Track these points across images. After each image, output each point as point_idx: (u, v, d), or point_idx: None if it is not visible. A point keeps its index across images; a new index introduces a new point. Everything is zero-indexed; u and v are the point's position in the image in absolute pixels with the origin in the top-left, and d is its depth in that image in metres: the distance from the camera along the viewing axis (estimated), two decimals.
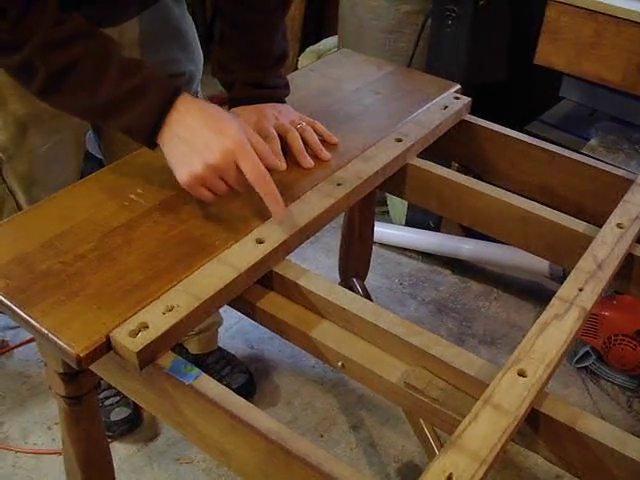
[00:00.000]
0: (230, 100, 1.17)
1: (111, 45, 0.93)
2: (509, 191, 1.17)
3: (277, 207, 0.93)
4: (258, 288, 0.95)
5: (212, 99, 2.74)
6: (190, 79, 1.33)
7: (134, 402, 1.64)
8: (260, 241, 0.93)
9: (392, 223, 2.34)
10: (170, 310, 0.82)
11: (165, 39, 1.25)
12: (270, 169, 0.94)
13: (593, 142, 2.04)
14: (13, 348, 1.87)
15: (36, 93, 0.92)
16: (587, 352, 1.85)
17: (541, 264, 2.04)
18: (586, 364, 1.86)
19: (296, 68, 2.53)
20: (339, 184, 1.06)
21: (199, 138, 0.89)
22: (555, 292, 0.91)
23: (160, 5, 1.20)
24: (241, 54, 1.13)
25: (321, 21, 2.93)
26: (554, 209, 1.12)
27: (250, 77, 1.14)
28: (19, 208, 1.21)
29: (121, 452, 1.63)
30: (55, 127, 1.17)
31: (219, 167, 0.89)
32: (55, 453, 1.60)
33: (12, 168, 1.18)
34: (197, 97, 1.37)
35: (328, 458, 0.72)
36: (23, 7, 0.84)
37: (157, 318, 0.81)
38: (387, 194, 2.30)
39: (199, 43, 1.34)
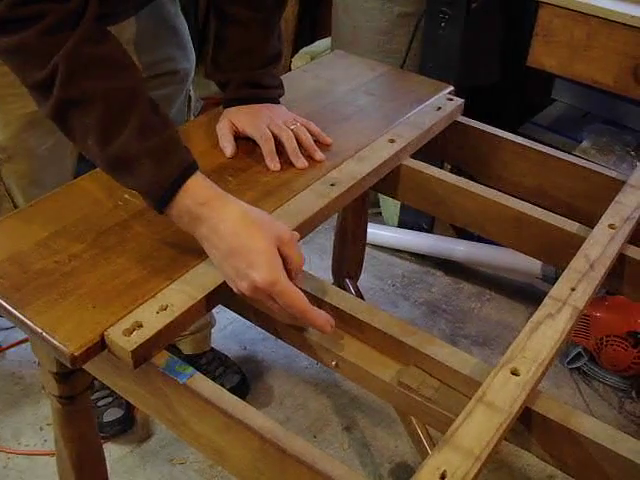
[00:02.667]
0: (225, 100, 1.17)
1: (139, 86, 0.86)
2: (502, 192, 1.17)
3: (324, 328, 0.83)
4: None
5: (206, 100, 2.75)
6: (185, 77, 1.33)
7: (127, 403, 1.64)
8: None
9: (385, 225, 2.34)
10: (164, 309, 0.82)
11: (161, 37, 1.25)
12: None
13: (585, 144, 2.05)
14: (5, 349, 1.86)
15: (48, 116, 0.86)
16: (579, 353, 1.85)
17: (533, 265, 2.05)
18: (578, 365, 1.87)
19: (289, 69, 2.53)
20: (333, 184, 1.07)
21: (228, 260, 0.81)
22: (547, 293, 0.91)
23: (156, 3, 1.21)
24: (236, 53, 1.13)
25: (314, 22, 2.93)
26: (547, 210, 1.12)
27: (245, 77, 1.14)
28: (16, 208, 1.21)
29: (114, 453, 1.62)
30: (53, 127, 1.17)
31: (252, 297, 0.82)
32: (47, 454, 1.60)
33: (11, 168, 1.18)
34: (189, 97, 1.38)
35: (322, 457, 0.72)
36: (62, 15, 0.80)
37: (151, 317, 0.81)
38: (380, 195, 2.31)
39: (191, 42, 1.35)
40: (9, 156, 1.16)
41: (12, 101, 1.11)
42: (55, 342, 0.78)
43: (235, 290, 0.83)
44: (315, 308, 0.82)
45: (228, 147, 1.12)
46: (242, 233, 0.81)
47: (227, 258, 0.81)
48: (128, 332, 0.79)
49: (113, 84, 0.83)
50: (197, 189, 0.84)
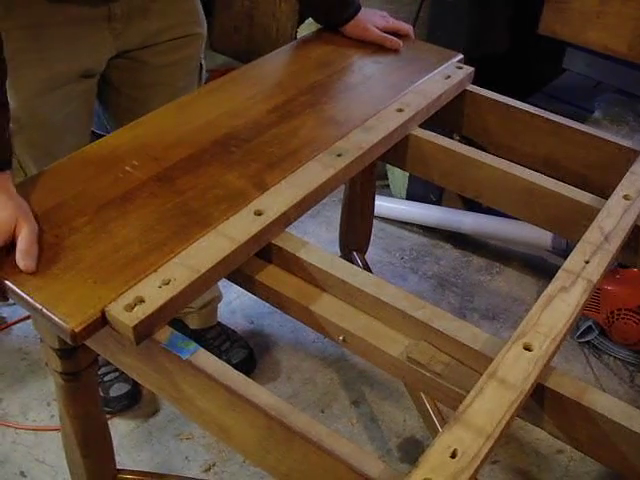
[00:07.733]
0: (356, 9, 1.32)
1: None
2: (513, 163, 1.14)
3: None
4: (257, 261, 0.94)
5: (212, 72, 2.72)
6: (198, 41, 1.33)
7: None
8: (259, 213, 0.91)
9: (393, 197, 2.31)
10: (167, 283, 0.80)
11: (171, 3, 1.24)
12: None
13: (597, 114, 2.01)
14: (11, 324, 1.85)
15: None
16: (590, 327, 1.83)
17: (544, 238, 2.02)
18: (588, 339, 1.85)
19: (295, 39, 2.49)
20: (339, 155, 1.04)
21: None
22: (558, 266, 0.89)
23: None
24: None
25: None
26: (558, 181, 1.10)
27: None
28: None
29: (121, 428, 1.62)
30: (67, 94, 1.14)
31: None
32: (55, 429, 1.59)
33: (25, 139, 1.15)
34: (201, 64, 1.38)
35: (329, 434, 0.71)
36: None
37: (153, 292, 0.79)
38: (388, 167, 2.28)
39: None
40: (21, 126, 1.13)
41: (26, 66, 1.09)
42: (55, 318, 0.77)
43: None
44: None
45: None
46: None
47: None
48: (130, 307, 0.77)
49: None
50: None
